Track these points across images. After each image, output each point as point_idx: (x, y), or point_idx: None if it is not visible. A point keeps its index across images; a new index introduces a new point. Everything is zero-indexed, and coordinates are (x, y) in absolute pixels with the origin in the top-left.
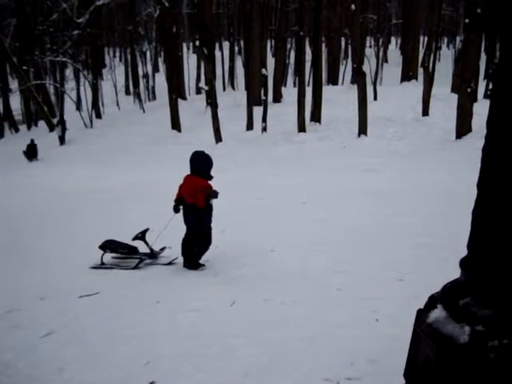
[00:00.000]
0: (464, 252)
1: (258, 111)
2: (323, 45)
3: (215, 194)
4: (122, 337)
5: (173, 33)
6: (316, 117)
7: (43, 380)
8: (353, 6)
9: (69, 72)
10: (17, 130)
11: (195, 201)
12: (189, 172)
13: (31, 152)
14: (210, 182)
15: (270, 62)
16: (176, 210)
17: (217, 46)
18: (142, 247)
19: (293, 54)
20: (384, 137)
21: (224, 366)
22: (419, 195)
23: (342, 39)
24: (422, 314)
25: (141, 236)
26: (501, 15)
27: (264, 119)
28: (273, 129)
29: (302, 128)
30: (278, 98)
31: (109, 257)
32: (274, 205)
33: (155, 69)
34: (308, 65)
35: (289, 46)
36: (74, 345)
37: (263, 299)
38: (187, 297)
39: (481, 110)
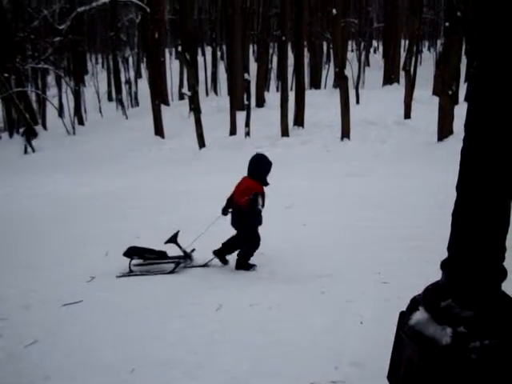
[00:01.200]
0: (446, 254)
1: (241, 116)
2: (305, 49)
3: (262, 202)
4: (108, 344)
5: (155, 39)
6: (299, 121)
7: None
8: (334, 11)
9: (50, 79)
10: None
11: (242, 203)
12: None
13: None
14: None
15: (253, 66)
16: (224, 211)
17: (199, 51)
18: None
19: (275, 58)
20: (367, 140)
21: (210, 370)
22: (402, 198)
23: (324, 43)
24: (404, 317)
25: (173, 239)
26: (479, 18)
27: (247, 124)
28: (256, 133)
29: (285, 132)
30: (261, 102)
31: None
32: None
33: (138, 75)
34: (290, 69)
35: (271, 50)
36: (58, 353)
37: (248, 304)
38: (174, 301)
39: (462, 112)
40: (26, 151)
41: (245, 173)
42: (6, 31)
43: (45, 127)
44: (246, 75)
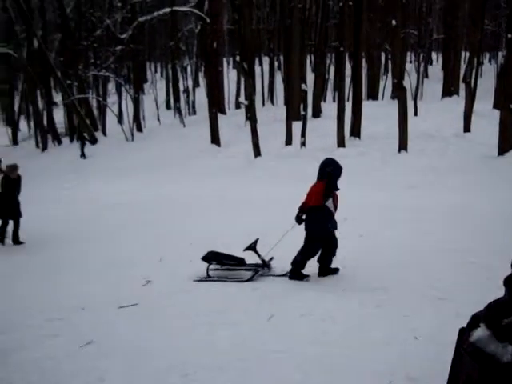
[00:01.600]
0: (508, 271)
1: (297, 126)
2: (363, 60)
3: (335, 205)
4: (161, 349)
5: (213, 48)
6: (356, 132)
7: None
8: (393, 22)
9: (111, 86)
10: (60, 143)
11: (314, 201)
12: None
13: None
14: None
15: (310, 77)
16: (299, 219)
17: (257, 61)
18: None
19: (332, 68)
20: (425, 153)
21: (259, 379)
22: (460, 213)
23: (382, 54)
24: (464, 333)
25: (253, 246)
26: None
27: (303, 134)
28: (312, 144)
29: (341, 143)
30: (317, 112)
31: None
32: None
33: (196, 84)
34: (348, 80)
35: (328, 60)
36: (113, 355)
37: (301, 314)
38: (227, 309)
39: None
40: (82, 155)
41: (301, 182)
42: (70, 40)
43: (104, 133)
44: (303, 85)
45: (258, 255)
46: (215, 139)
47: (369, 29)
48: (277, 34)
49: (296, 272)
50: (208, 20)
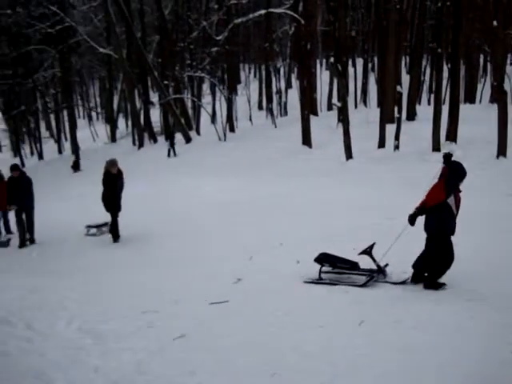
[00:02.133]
0: None
1: (390, 129)
2: (461, 62)
3: (457, 209)
4: (251, 346)
5: (307, 49)
6: (452, 136)
7: (174, 381)
8: (494, 22)
9: (206, 87)
10: (155, 141)
11: (434, 199)
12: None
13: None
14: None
15: (404, 78)
16: (413, 220)
17: (350, 62)
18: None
19: (428, 70)
20: None
21: None
22: None
23: (481, 56)
24: None
25: (368, 251)
26: None
27: (397, 137)
28: (406, 147)
29: (436, 147)
30: (411, 115)
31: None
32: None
33: (288, 85)
34: (444, 82)
35: (424, 62)
36: (203, 349)
37: (392, 321)
38: (315, 311)
39: None
40: (169, 155)
41: (394, 185)
42: (168, 41)
43: (198, 133)
44: (398, 87)
45: (374, 260)
46: (307, 140)
47: (467, 29)
48: (371, 35)
49: (432, 281)
50: (302, 21)
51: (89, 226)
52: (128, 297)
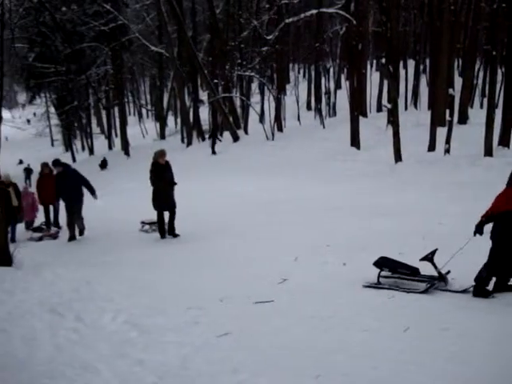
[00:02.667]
0: None
1: (441, 132)
2: None
3: None
4: (295, 347)
5: (358, 50)
6: (505, 141)
7: (217, 378)
8: None
9: (255, 86)
10: (203, 139)
11: (506, 205)
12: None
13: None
14: None
15: (457, 81)
16: (480, 228)
17: (401, 63)
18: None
19: (481, 73)
20: None
21: None
22: None
23: None
24: None
25: (430, 257)
26: None
27: (448, 140)
28: (456, 151)
29: (488, 152)
30: (463, 119)
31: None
32: (457, 232)
33: (338, 85)
34: (498, 85)
35: (477, 65)
36: (247, 348)
37: (439, 328)
38: (360, 314)
39: None
40: (213, 152)
41: (445, 190)
42: (218, 40)
43: (246, 132)
44: (450, 90)
45: (435, 267)
46: (355, 142)
47: None
48: (424, 37)
49: (480, 288)
50: (354, 21)
51: (143, 222)
52: (174, 292)
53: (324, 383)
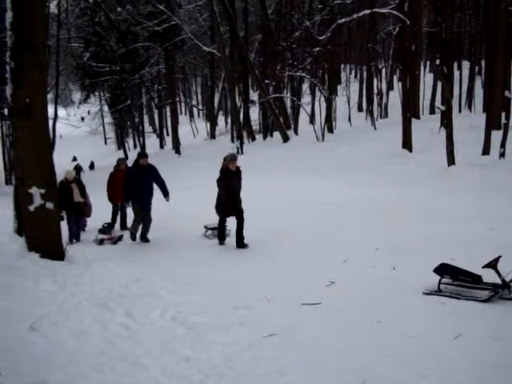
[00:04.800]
0: None
1: (496, 135)
2: None
3: None
4: (341, 351)
5: (411, 51)
6: None
7: (262, 379)
8: None
9: (305, 87)
10: (253, 139)
11: None
12: None
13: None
14: None
15: None
16: None
17: (455, 64)
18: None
19: None
20: None
21: None
22: None
23: None
24: None
25: (494, 264)
26: None
27: (503, 144)
28: None
29: None
30: None
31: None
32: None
33: (390, 86)
34: None
35: None
36: (294, 349)
37: (492, 338)
38: (409, 320)
39: None
40: (238, 152)
41: (499, 198)
42: (270, 40)
43: (296, 132)
44: (506, 92)
45: (499, 274)
46: (407, 144)
47: None
48: (479, 37)
49: None
50: (408, 22)
51: (206, 227)
52: (221, 291)
53: None
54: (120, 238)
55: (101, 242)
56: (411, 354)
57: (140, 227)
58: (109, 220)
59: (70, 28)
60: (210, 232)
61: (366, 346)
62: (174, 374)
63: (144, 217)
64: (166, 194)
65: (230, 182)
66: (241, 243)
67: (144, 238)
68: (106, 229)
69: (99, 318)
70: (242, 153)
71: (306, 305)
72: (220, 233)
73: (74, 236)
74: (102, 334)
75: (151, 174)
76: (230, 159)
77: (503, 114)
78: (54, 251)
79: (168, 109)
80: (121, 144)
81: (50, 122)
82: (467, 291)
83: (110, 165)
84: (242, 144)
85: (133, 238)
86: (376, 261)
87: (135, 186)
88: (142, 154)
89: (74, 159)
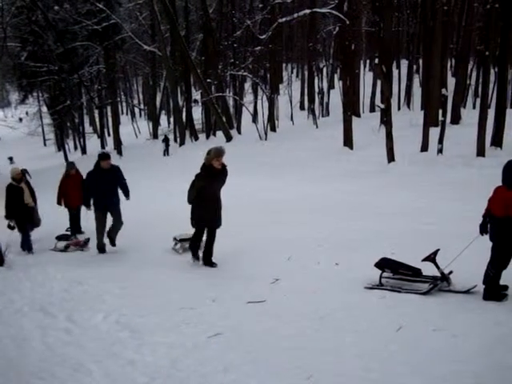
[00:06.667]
0: None
1: (434, 132)
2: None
3: None
4: (286, 347)
5: (351, 50)
6: (497, 141)
7: (208, 378)
8: None
9: (247, 86)
10: (196, 139)
11: (507, 213)
12: None
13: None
14: None
15: (449, 81)
16: (483, 229)
17: (394, 63)
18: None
19: (474, 73)
20: None
21: None
22: None
23: None
24: None
25: (433, 257)
26: None
27: (440, 141)
28: (449, 151)
29: (481, 152)
30: (456, 119)
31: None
32: (446, 231)
33: (331, 85)
34: (491, 86)
35: (470, 65)
36: (239, 348)
37: (432, 329)
38: (352, 315)
39: None
40: (164, 154)
41: (438, 189)
42: (211, 40)
43: (239, 131)
44: (443, 90)
45: (438, 267)
46: (348, 142)
47: None
48: (417, 37)
49: (491, 289)
50: (347, 21)
51: (175, 239)
52: (166, 293)
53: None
54: (87, 241)
55: (66, 248)
56: (355, 348)
57: (105, 233)
58: (60, 227)
59: (5, 27)
60: (178, 245)
61: (310, 341)
62: (118, 378)
63: (113, 221)
64: (127, 194)
65: (210, 182)
66: (209, 260)
67: (112, 243)
68: (70, 235)
69: (40, 323)
70: (168, 154)
71: (251, 303)
72: (194, 245)
73: (27, 248)
74: (43, 340)
75: (114, 177)
76: (215, 154)
77: (440, 112)
78: None
79: (109, 109)
80: (61, 145)
81: None
82: (407, 284)
83: (53, 167)
84: (167, 146)
85: (101, 250)
86: (319, 257)
87: (97, 191)
88: (104, 156)
89: (11, 159)
